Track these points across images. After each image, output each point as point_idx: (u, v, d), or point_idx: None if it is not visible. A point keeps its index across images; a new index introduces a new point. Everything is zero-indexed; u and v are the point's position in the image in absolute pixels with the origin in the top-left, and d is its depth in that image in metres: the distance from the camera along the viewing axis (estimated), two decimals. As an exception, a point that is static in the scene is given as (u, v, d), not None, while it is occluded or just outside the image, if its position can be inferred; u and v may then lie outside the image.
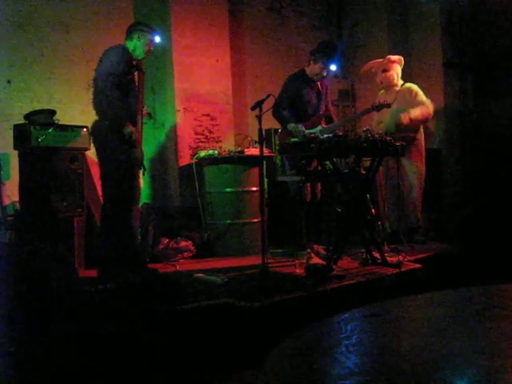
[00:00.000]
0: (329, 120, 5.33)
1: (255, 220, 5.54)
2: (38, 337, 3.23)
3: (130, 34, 4.48)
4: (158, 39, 4.64)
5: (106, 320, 3.47)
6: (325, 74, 5.22)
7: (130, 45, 4.47)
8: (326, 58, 5.09)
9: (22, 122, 4.92)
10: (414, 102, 5.70)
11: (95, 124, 4.46)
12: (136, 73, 4.53)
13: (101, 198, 4.88)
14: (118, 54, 4.35)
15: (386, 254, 4.80)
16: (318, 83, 5.26)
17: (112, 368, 3.01)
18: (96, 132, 4.48)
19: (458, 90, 7.65)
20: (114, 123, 4.29)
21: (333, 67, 5.30)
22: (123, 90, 4.31)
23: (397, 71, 5.82)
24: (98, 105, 4.34)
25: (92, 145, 4.74)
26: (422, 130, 5.84)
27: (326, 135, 4.75)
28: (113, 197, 4.42)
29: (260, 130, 4.28)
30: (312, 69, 5.17)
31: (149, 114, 4.85)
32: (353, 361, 2.32)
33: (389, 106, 5.27)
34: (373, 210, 5.07)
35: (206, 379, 3.02)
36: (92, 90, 4.45)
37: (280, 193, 5.40)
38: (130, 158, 4.35)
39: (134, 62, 4.50)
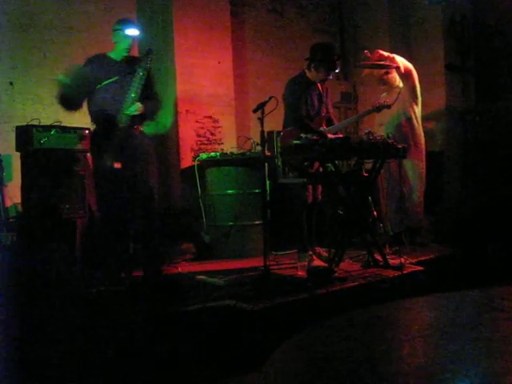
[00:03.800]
0: (329, 122, 5.32)
1: (257, 222, 5.54)
2: (38, 337, 3.23)
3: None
4: (133, 32, 4.37)
5: (107, 321, 3.48)
6: (330, 77, 5.21)
7: (114, 49, 4.46)
8: (327, 64, 5.05)
9: (25, 123, 4.92)
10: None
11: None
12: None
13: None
14: (86, 63, 4.40)
15: (387, 257, 4.80)
16: (319, 85, 5.25)
17: (112, 369, 3.01)
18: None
19: (460, 93, 7.65)
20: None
21: (336, 70, 5.27)
22: (99, 94, 4.32)
23: (398, 73, 5.81)
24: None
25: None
26: (421, 128, 5.82)
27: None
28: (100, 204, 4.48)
29: (262, 132, 4.28)
30: (314, 75, 5.13)
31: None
32: (354, 363, 2.32)
33: (389, 106, 5.27)
34: (374, 213, 5.07)
35: (208, 381, 3.03)
36: None
37: (282, 195, 5.40)
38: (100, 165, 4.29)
39: (139, 60, 4.46)
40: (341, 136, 4.89)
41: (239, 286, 4.22)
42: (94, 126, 4.42)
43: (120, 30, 4.37)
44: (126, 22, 4.43)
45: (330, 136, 4.74)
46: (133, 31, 4.38)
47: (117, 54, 4.43)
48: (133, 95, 4.20)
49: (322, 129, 5.10)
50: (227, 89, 6.73)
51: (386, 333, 2.82)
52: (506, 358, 2.27)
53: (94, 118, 4.36)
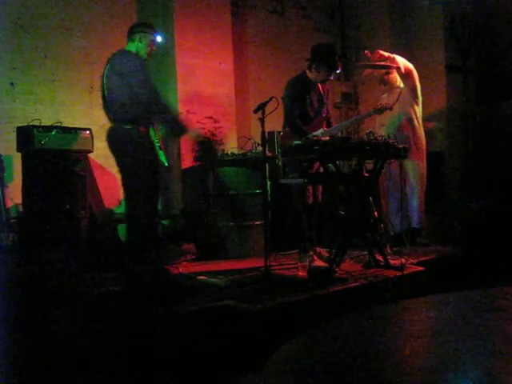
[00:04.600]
0: (328, 123, 5.32)
1: (258, 222, 5.54)
2: (39, 338, 3.23)
3: (131, 35, 4.35)
4: (159, 39, 4.54)
5: (108, 322, 3.48)
6: (331, 78, 5.21)
7: (132, 47, 4.40)
8: (328, 64, 5.05)
9: (25, 124, 4.93)
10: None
11: (113, 130, 4.24)
12: None
13: (103, 201, 4.87)
14: (133, 57, 4.24)
15: (388, 257, 4.79)
16: (320, 86, 5.25)
17: (113, 370, 3.01)
18: (115, 137, 4.24)
19: (460, 93, 7.65)
20: (137, 124, 4.21)
21: (337, 70, 5.26)
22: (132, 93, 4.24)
23: (398, 73, 5.81)
24: (118, 108, 4.20)
25: (98, 148, 4.74)
26: (422, 128, 5.82)
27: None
28: (139, 200, 4.26)
29: (263, 132, 4.27)
30: (315, 76, 5.14)
31: None
32: (355, 363, 2.32)
33: (390, 108, 5.27)
34: (375, 213, 5.07)
35: (208, 381, 3.03)
36: (106, 94, 4.22)
37: (283, 195, 5.40)
38: (153, 158, 4.28)
39: None
40: (340, 137, 4.89)
41: (240, 286, 4.21)
42: (128, 124, 4.21)
43: (149, 33, 4.36)
44: (154, 28, 4.46)
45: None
46: (159, 38, 4.51)
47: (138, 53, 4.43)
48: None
49: (321, 130, 5.10)
50: (228, 89, 6.74)
51: (387, 333, 2.82)
52: (506, 358, 2.27)
53: (139, 115, 4.24)
